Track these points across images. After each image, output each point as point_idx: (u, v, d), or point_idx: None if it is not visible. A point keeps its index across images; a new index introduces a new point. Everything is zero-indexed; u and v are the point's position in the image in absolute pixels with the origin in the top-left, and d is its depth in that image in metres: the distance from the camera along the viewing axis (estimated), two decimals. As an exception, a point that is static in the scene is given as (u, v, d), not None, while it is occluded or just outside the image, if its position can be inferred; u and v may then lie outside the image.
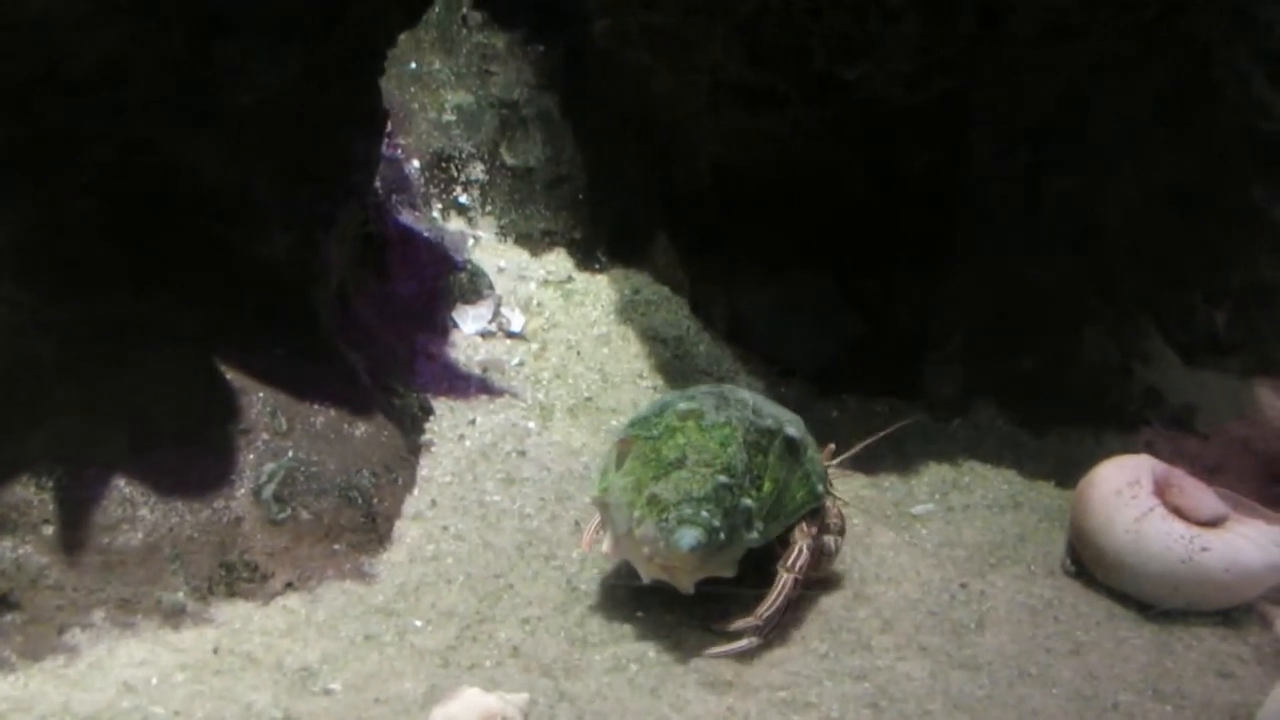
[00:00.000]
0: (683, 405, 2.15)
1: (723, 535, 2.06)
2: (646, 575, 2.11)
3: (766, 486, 2.11)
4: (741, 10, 2.37)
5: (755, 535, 2.10)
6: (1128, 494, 2.24)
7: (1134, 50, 2.48)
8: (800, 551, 2.12)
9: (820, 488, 2.19)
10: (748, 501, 2.08)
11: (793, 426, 2.17)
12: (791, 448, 2.14)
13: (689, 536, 2.03)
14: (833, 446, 2.29)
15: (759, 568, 2.13)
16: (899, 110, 2.49)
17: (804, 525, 2.15)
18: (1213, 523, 2.22)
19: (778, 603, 2.09)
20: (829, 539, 2.20)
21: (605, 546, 2.15)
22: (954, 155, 2.60)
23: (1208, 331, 2.75)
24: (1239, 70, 2.83)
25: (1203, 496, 2.24)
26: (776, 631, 2.10)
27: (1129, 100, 2.65)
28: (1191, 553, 2.19)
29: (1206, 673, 2.14)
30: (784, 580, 2.11)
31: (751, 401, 2.18)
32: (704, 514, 2.05)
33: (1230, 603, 2.24)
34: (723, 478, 2.07)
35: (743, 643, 2.08)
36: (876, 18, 2.25)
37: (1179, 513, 2.22)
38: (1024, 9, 2.29)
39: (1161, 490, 2.25)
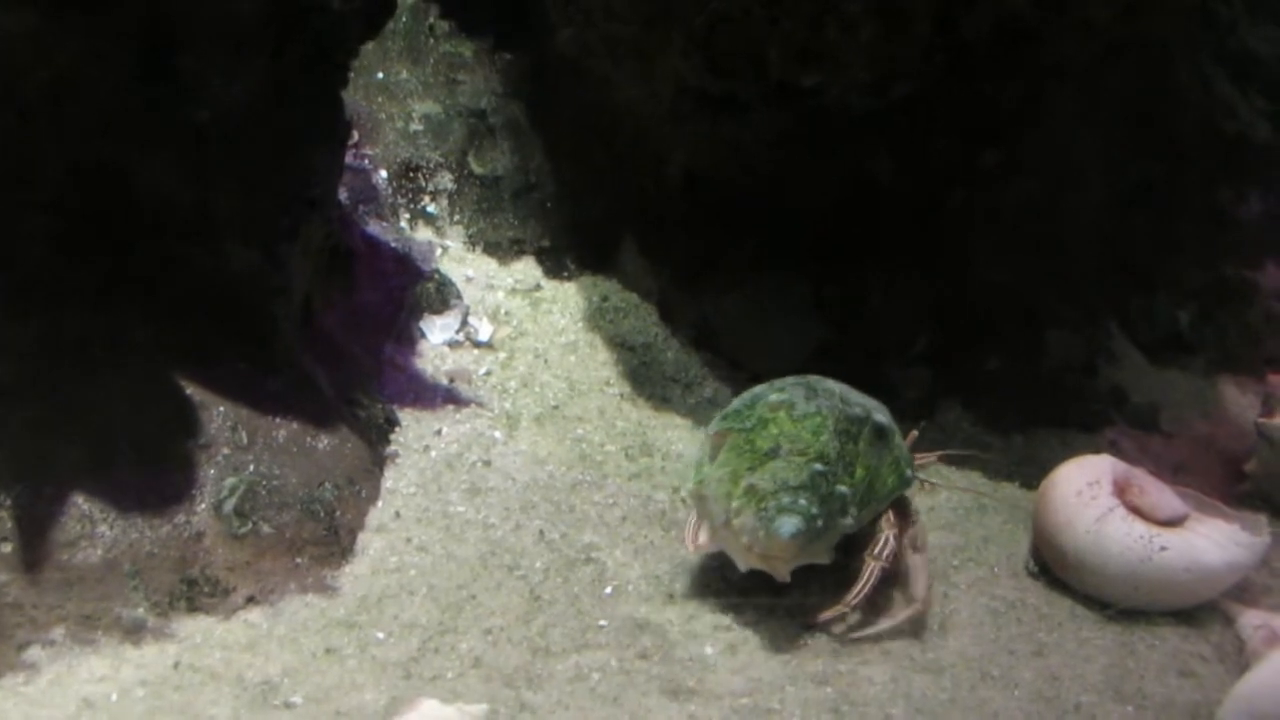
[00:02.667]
0: (774, 397, 2.20)
1: (820, 522, 2.10)
2: (744, 565, 2.15)
3: (859, 473, 2.16)
4: (699, 20, 2.38)
5: (850, 521, 2.15)
6: (1088, 494, 2.25)
7: (1092, 53, 2.49)
8: (887, 541, 2.18)
9: (908, 472, 2.24)
10: (842, 488, 2.13)
11: (880, 413, 2.23)
12: (880, 434, 2.20)
13: (789, 525, 2.08)
14: (915, 433, 2.34)
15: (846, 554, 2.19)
16: (861, 116, 2.50)
17: (890, 515, 2.20)
18: (1172, 522, 2.23)
19: (865, 590, 2.15)
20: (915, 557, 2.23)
21: (701, 538, 2.19)
22: (918, 160, 2.60)
23: (1172, 331, 2.76)
24: (1202, 71, 2.85)
25: (1162, 496, 2.24)
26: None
27: (1091, 102, 2.66)
28: (1151, 553, 2.19)
29: (1168, 672, 2.15)
30: (871, 568, 2.16)
31: (839, 390, 2.23)
32: (802, 502, 2.09)
33: (1191, 602, 2.24)
34: (818, 465, 2.12)
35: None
36: (833, 26, 2.26)
37: (1139, 513, 2.23)
38: (978, 15, 2.30)
39: (1121, 490, 2.26)
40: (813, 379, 2.26)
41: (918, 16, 2.25)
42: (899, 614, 2.17)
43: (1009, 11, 2.30)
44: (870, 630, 2.15)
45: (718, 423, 2.22)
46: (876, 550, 2.18)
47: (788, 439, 2.14)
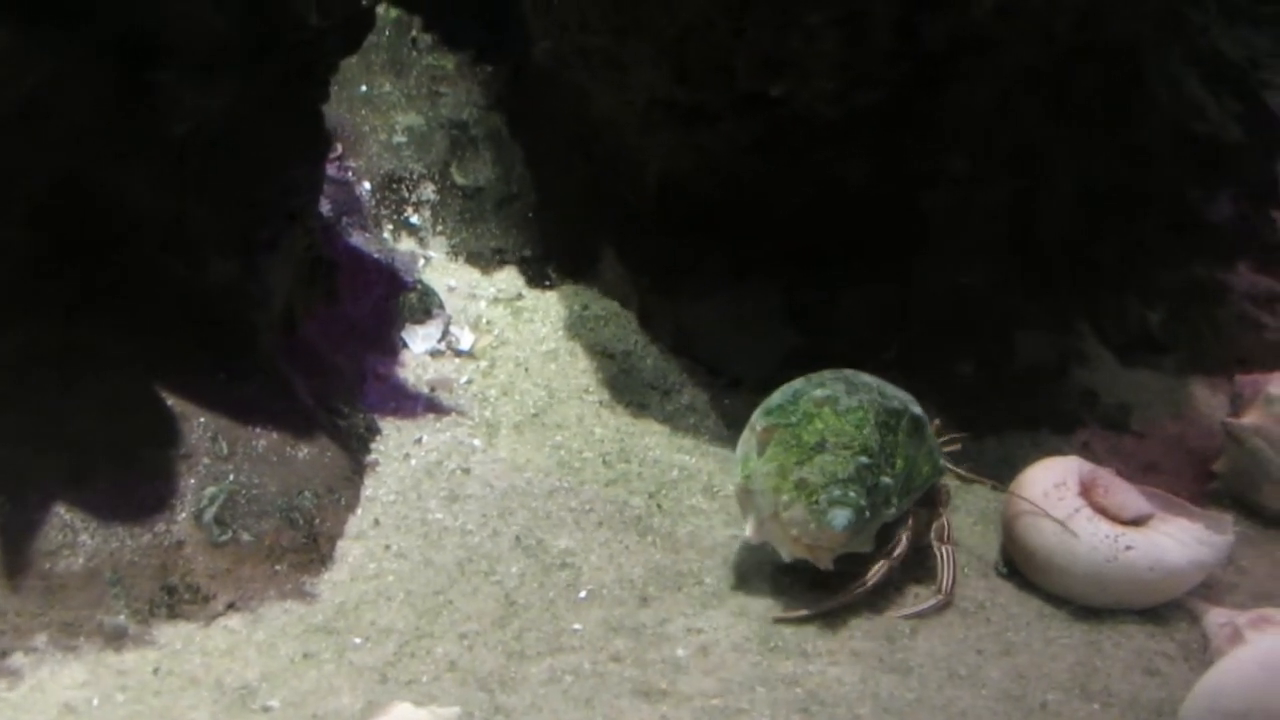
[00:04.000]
0: (817, 392, 2.27)
1: (868, 513, 2.19)
2: (789, 555, 2.23)
3: (899, 464, 2.25)
4: (669, 31, 2.42)
5: (893, 510, 2.24)
6: (1054, 495, 2.28)
7: (1057, 58, 2.52)
8: (900, 542, 2.26)
9: (941, 461, 2.32)
10: (886, 480, 2.22)
11: (915, 405, 2.31)
12: (917, 425, 2.28)
13: (841, 517, 2.16)
14: (938, 422, 2.40)
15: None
16: (830, 124, 2.53)
17: (909, 520, 2.28)
18: (1138, 522, 2.26)
19: (869, 586, 2.23)
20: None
21: (748, 530, 2.24)
22: (888, 166, 2.64)
23: (1143, 332, 2.79)
24: (1171, 73, 2.88)
25: (1127, 496, 2.27)
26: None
27: (1060, 105, 2.69)
28: (1116, 552, 2.22)
29: (1134, 670, 2.18)
30: (880, 567, 2.24)
31: (875, 384, 2.31)
32: (851, 494, 2.18)
33: (1157, 600, 2.27)
34: (863, 458, 2.20)
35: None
36: (796, 37, 2.30)
37: (1104, 513, 2.26)
38: (937, 23, 2.33)
39: (1087, 491, 2.29)
40: (848, 373, 2.33)
41: (877, 26, 2.29)
42: (925, 602, 2.25)
43: (969, 20, 2.34)
44: (900, 613, 2.23)
45: (763, 418, 2.27)
46: (889, 549, 2.25)
47: (833, 433, 2.21)
